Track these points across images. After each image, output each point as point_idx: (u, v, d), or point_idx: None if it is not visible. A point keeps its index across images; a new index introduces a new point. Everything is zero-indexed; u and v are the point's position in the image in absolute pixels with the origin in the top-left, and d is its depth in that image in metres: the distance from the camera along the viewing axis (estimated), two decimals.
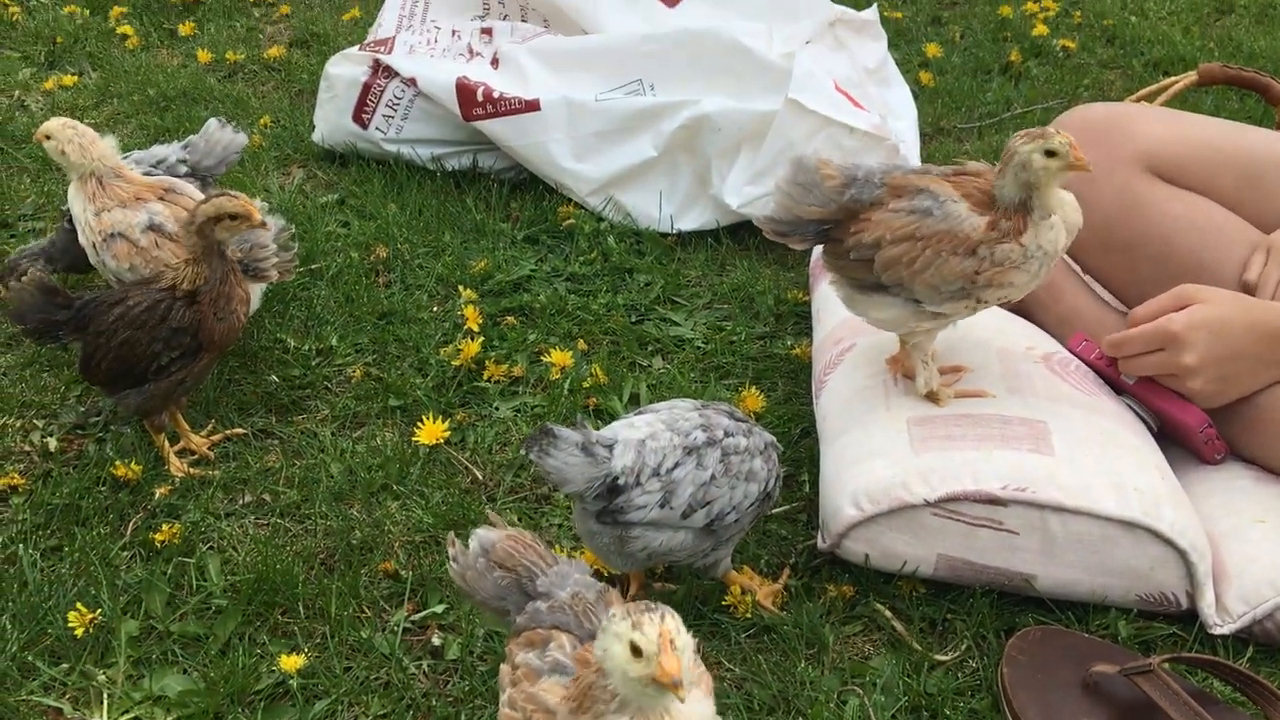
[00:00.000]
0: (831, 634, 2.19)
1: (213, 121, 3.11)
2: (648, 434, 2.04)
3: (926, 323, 2.29)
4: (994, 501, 2.13)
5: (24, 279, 2.49)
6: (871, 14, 3.71)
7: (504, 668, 1.68)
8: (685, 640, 1.42)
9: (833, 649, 2.17)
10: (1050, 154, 2.07)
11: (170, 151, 3.04)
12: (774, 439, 2.19)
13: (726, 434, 2.08)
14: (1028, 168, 2.09)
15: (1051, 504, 2.13)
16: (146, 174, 2.87)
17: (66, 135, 2.68)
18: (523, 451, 2.17)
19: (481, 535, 1.78)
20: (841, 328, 2.65)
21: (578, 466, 1.95)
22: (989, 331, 2.56)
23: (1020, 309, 2.74)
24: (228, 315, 2.45)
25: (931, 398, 2.35)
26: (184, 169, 3.01)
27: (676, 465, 2.02)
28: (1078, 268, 2.75)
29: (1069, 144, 2.07)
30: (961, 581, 2.24)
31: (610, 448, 2.00)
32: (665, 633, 1.39)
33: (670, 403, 2.17)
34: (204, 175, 3.05)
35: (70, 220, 2.97)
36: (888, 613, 2.24)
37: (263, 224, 2.43)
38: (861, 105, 3.36)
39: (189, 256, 2.42)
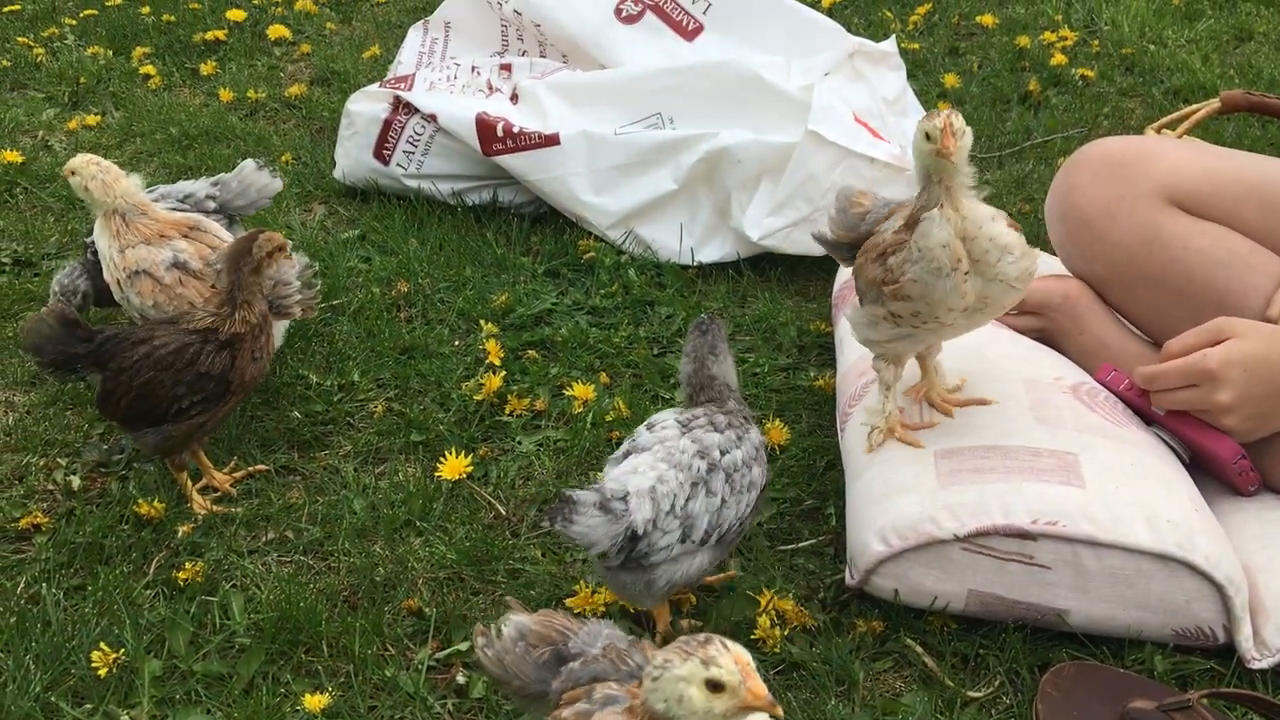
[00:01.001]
0: (861, 670, 2.16)
1: (249, 163, 3.13)
2: (654, 478, 2.04)
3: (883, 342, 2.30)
4: (1024, 536, 2.10)
5: (43, 310, 2.48)
6: (890, 45, 3.72)
7: None
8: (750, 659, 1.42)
9: (863, 686, 2.14)
10: (927, 137, 2.02)
11: (199, 187, 3.05)
12: (760, 435, 2.23)
13: (722, 452, 2.10)
14: (914, 146, 2.07)
15: (1083, 538, 2.09)
16: (173, 209, 2.88)
17: (90, 172, 2.68)
18: (545, 524, 2.16)
19: (516, 621, 1.78)
20: (865, 360, 2.62)
21: (600, 527, 1.95)
22: (1016, 361, 2.54)
23: (1046, 339, 2.72)
24: (262, 356, 2.45)
25: (890, 432, 2.33)
26: (212, 205, 3.02)
27: (688, 499, 2.04)
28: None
29: (941, 129, 2.00)
30: (993, 617, 2.20)
31: (624, 499, 1.99)
32: (740, 659, 1.40)
33: (656, 434, 2.16)
34: (232, 214, 3.06)
35: (94, 253, 2.98)
36: (919, 648, 2.20)
37: (289, 256, 2.45)
38: (881, 136, 3.36)
39: (242, 299, 2.41)
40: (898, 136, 3.54)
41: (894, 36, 3.94)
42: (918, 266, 2.11)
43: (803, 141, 3.22)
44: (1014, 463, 2.20)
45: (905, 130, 3.70)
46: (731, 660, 1.40)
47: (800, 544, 2.49)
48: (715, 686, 1.38)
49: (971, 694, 2.13)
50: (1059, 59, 4.76)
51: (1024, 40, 4.93)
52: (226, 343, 2.40)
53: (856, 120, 3.32)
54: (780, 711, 1.37)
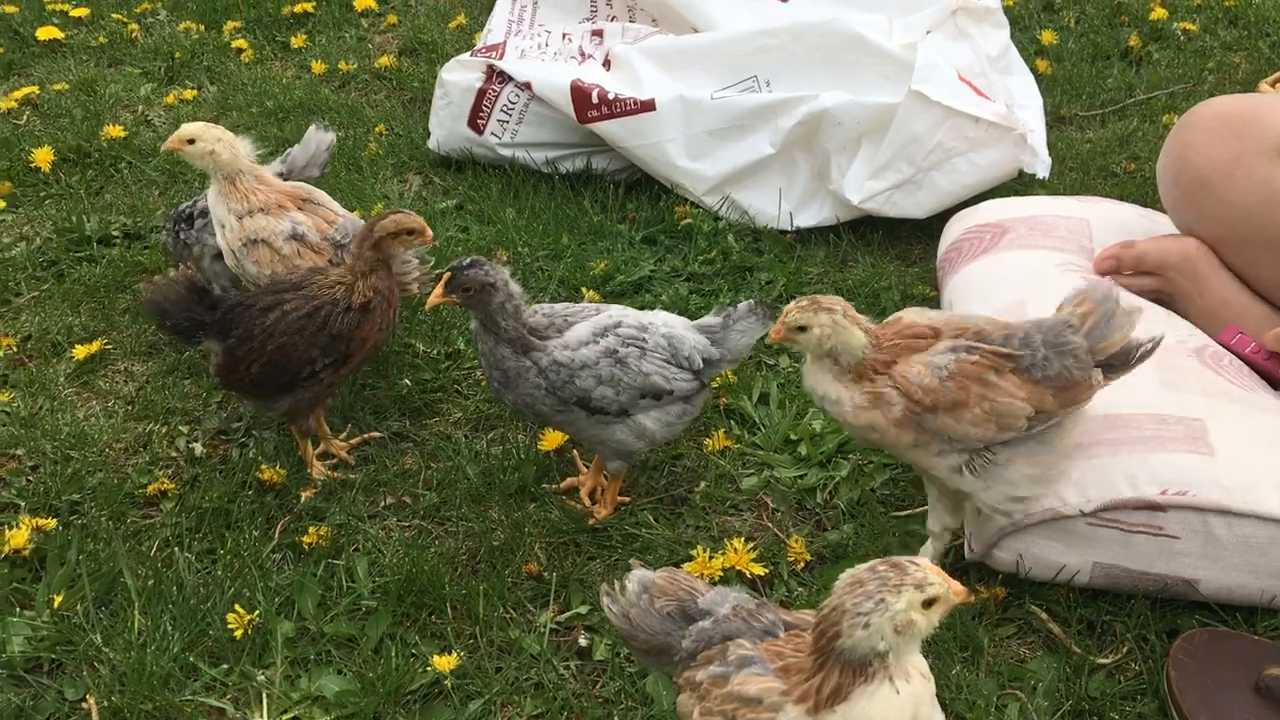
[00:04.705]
0: (985, 636, 2.14)
1: (312, 128, 3.18)
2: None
3: None
4: (1153, 507, 2.06)
5: (172, 275, 2.51)
6: (993, 1, 3.63)
7: (682, 698, 1.67)
8: None
9: (988, 652, 2.12)
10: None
11: (267, 170, 3.06)
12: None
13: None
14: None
15: (1214, 507, 2.05)
16: None
17: (214, 135, 2.69)
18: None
19: (639, 575, 1.80)
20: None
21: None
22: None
23: (1164, 301, 2.66)
24: (387, 325, 2.48)
25: None
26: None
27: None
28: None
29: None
30: (1119, 588, 2.17)
31: None
32: (933, 568, 1.46)
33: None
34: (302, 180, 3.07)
35: (176, 223, 3.03)
36: (1043, 615, 2.19)
37: (434, 242, 2.46)
38: (986, 95, 3.29)
39: (361, 269, 2.44)
40: (1001, 95, 3.46)
41: None
42: None
43: (906, 102, 3.16)
44: (1139, 432, 2.16)
45: (1009, 88, 3.62)
46: (932, 573, 1.44)
47: (914, 510, 2.47)
48: (929, 603, 1.44)
49: (1099, 660, 2.11)
50: (1159, 13, 4.62)
51: None
52: (353, 306, 2.42)
53: (960, 79, 3.25)
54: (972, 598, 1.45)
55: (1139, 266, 2.69)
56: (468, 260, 2.22)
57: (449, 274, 2.19)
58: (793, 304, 1.99)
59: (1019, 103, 3.59)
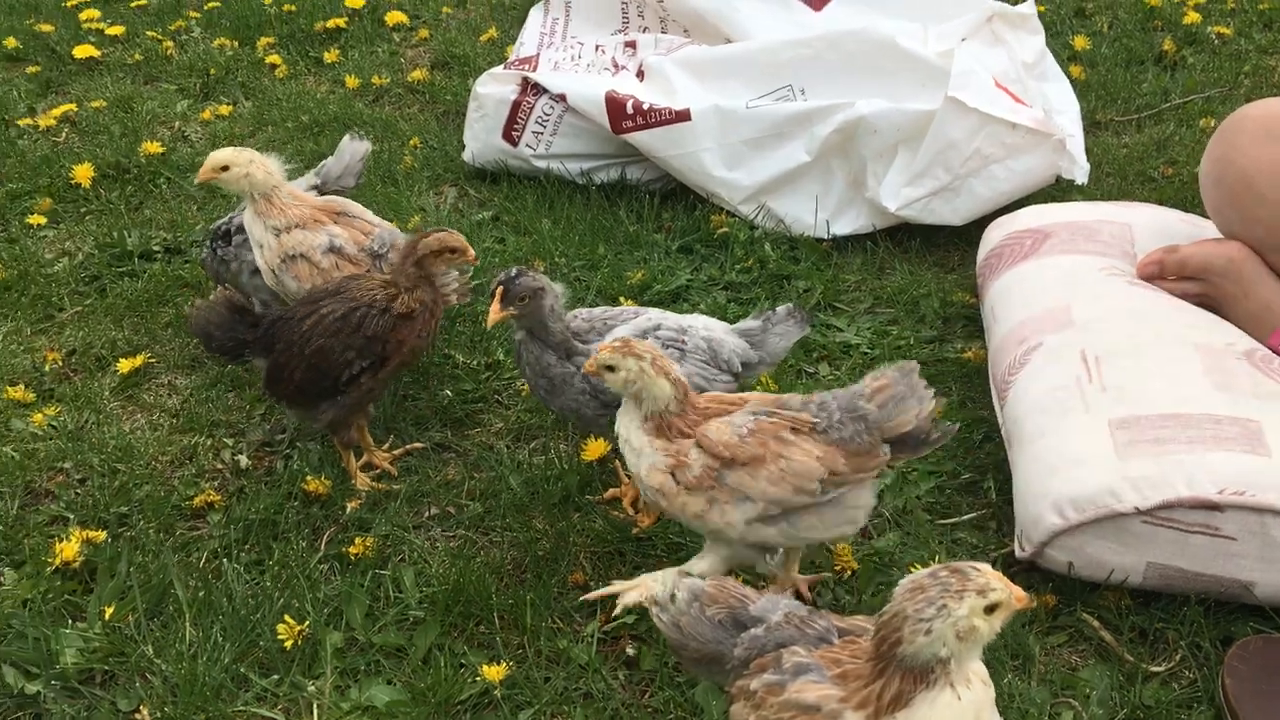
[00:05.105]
0: (1036, 645, 2.13)
1: (346, 138, 3.21)
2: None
3: None
4: (1211, 507, 2.05)
5: (212, 296, 2.55)
6: (1029, 7, 3.62)
7: (735, 708, 1.66)
8: None
9: (1039, 660, 2.11)
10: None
11: (301, 183, 3.09)
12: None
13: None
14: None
15: (1272, 508, 2.03)
16: None
17: (245, 158, 2.72)
18: None
19: (689, 583, 1.80)
20: (1025, 326, 2.58)
21: None
22: (1184, 327, 2.47)
23: (1208, 305, 2.64)
24: (428, 334, 2.50)
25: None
26: (313, 195, 3.06)
27: None
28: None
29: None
30: (1172, 590, 2.15)
31: None
32: (994, 572, 1.46)
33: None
34: (336, 192, 3.10)
35: (214, 240, 3.06)
36: (1095, 622, 2.17)
37: (476, 260, 2.50)
38: (1023, 101, 3.28)
39: (404, 285, 2.46)
40: (1038, 101, 3.45)
41: None
42: None
43: (943, 108, 3.15)
44: (1195, 431, 2.14)
45: (1046, 94, 3.61)
46: (995, 579, 1.44)
47: (961, 518, 2.46)
48: (991, 609, 1.43)
49: (1152, 668, 2.09)
50: (1193, 17, 4.59)
51: None
52: (390, 309, 2.44)
53: (997, 85, 3.25)
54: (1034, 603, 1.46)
55: (1183, 271, 2.68)
56: (514, 271, 2.24)
57: (502, 288, 2.21)
58: (607, 342, 2.03)
59: (1056, 108, 3.58)
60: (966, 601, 1.41)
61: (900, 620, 1.44)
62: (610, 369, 2.00)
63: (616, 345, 2.00)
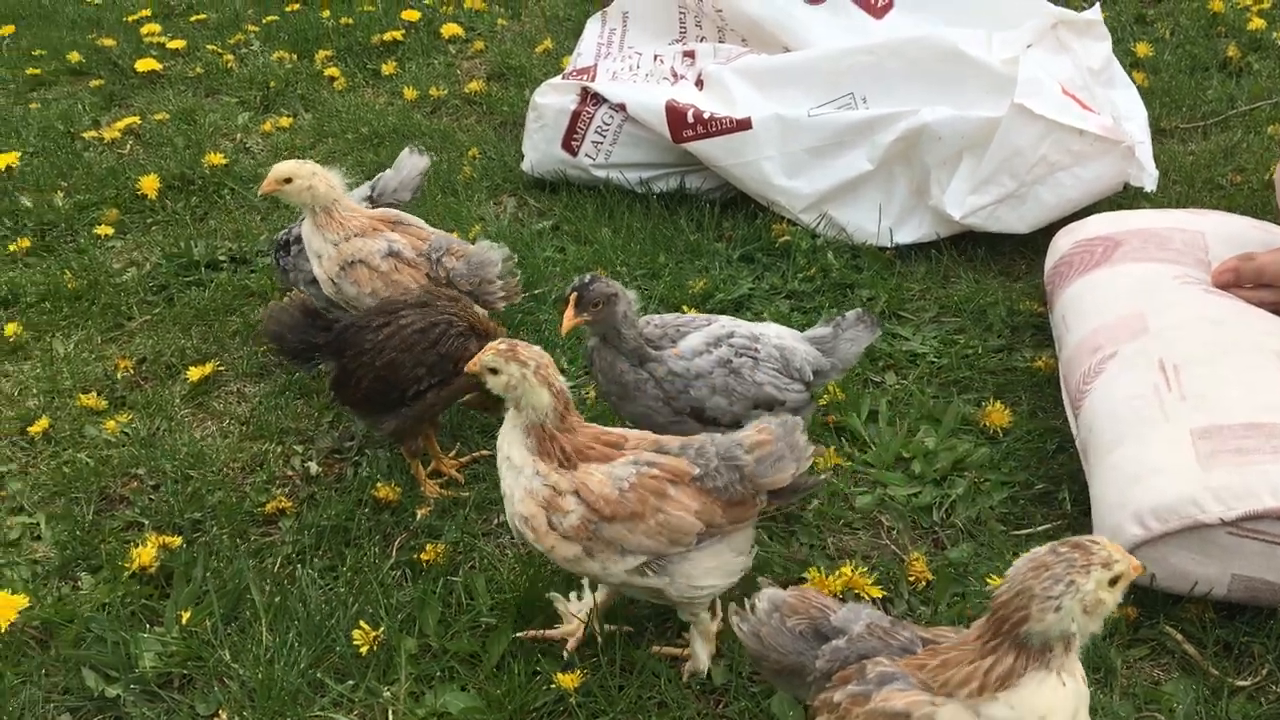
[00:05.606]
0: (1118, 657, 2.09)
1: (404, 150, 3.23)
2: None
3: None
4: None
5: (285, 299, 2.58)
6: (1094, 14, 3.58)
7: None
8: None
9: (1121, 674, 2.07)
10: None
11: (355, 194, 3.11)
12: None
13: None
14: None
15: None
16: None
17: (308, 171, 2.75)
18: None
19: (770, 594, 1.78)
20: (1099, 334, 2.54)
21: None
22: (1261, 334, 2.42)
23: (1278, 309, 2.59)
24: None
25: None
26: (366, 206, 3.08)
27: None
28: None
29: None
30: (1259, 603, 2.11)
31: None
32: (1113, 545, 1.46)
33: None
34: (391, 205, 3.11)
35: (276, 250, 3.09)
36: (1178, 635, 2.13)
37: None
38: (1090, 107, 3.25)
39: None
40: (1106, 107, 3.41)
41: (1097, 4, 3.78)
42: None
43: (1009, 115, 3.12)
44: (1279, 442, 2.10)
45: (1113, 101, 3.57)
46: (1115, 550, 1.45)
47: (1035, 529, 2.43)
48: (1114, 581, 1.44)
49: (1238, 682, 2.04)
50: (1257, 23, 4.53)
51: (1217, 4, 4.70)
52: (473, 329, 2.45)
53: (1064, 92, 3.21)
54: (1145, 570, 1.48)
55: (1259, 279, 2.63)
56: (587, 277, 2.24)
57: (575, 294, 2.21)
58: (492, 344, 1.99)
59: (1124, 115, 3.53)
60: (1093, 575, 1.41)
61: (1026, 598, 1.43)
62: (493, 371, 1.97)
63: (502, 349, 1.97)
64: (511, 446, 2.02)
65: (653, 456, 1.99)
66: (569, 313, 2.22)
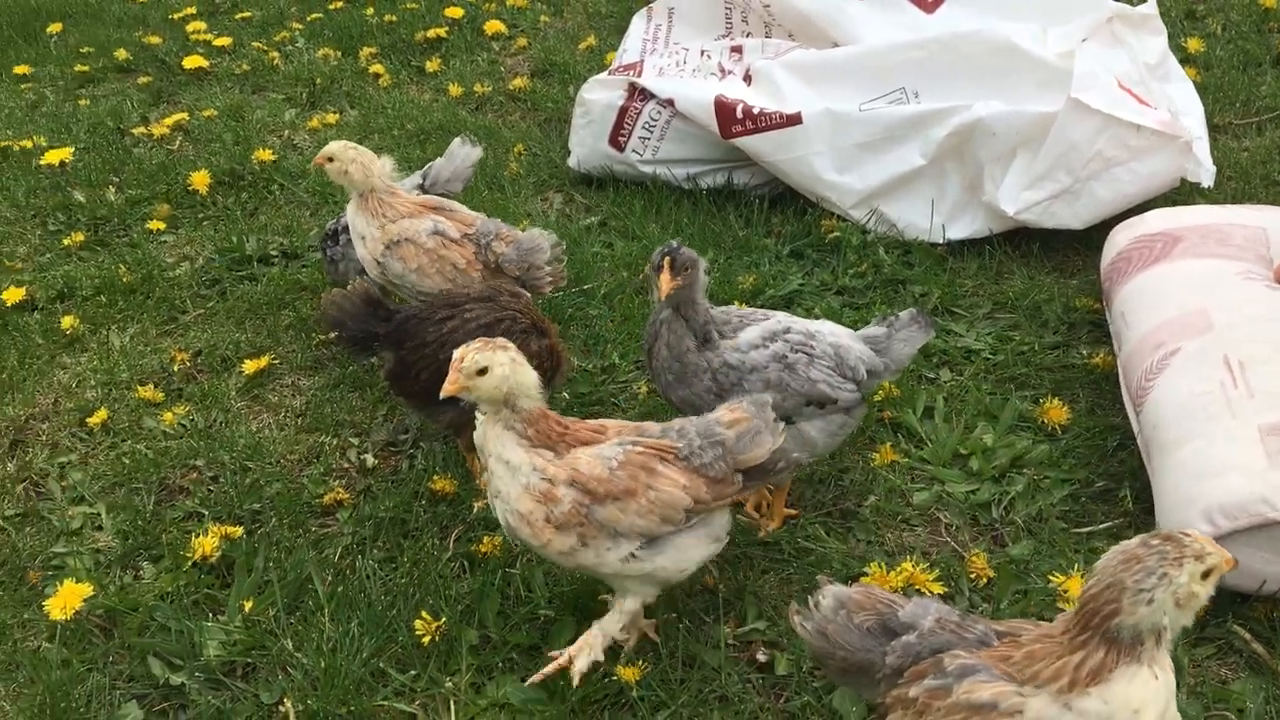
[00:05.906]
0: (1184, 656, 2.07)
1: (456, 140, 3.24)
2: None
3: None
4: None
5: (348, 287, 2.59)
6: (1150, 8, 3.55)
7: (893, 718, 1.64)
8: None
9: (1188, 672, 2.05)
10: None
11: (406, 183, 3.13)
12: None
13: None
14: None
15: None
16: None
17: (349, 155, 2.80)
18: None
19: (834, 591, 1.77)
20: (1161, 331, 2.52)
21: None
22: None
23: None
24: (554, 368, 2.52)
25: None
26: (418, 194, 3.10)
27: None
28: None
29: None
30: None
31: None
32: (1202, 536, 1.46)
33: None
34: (442, 194, 3.13)
35: (324, 241, 3.11)
36: (1246, 634, 2.11)
37: None
38: (1147, 102, 3.21)
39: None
40: (1163, 102, 3.38)
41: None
42: None
43: (1065, 110, 3.09)
44: None
45: (1170, 95, 3.53)
46: (1206, 543, 1.44)
47: (1096, 526, 2.41)
48: (1206, 574, 1.44)
49: None
50: None
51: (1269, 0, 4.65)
52: (535, 328, 2.46)
53: (1120, 86, 3.18)
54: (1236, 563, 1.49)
55: None
56: (674, 243, 2.25)
57: (669, 258, 2.20)
58: (462, 349, 1.94)
59: (1181, 110, 3.50)
60: (1186, 568, 1.41)
61: (1117, 591, 1.42)
62: (483, 371, 1.92)
63: (478, 346, 1.94)
64: (505, 448, 2.01)
65: (637, 437, 2.04)
66: (665, 276, 2.21)
